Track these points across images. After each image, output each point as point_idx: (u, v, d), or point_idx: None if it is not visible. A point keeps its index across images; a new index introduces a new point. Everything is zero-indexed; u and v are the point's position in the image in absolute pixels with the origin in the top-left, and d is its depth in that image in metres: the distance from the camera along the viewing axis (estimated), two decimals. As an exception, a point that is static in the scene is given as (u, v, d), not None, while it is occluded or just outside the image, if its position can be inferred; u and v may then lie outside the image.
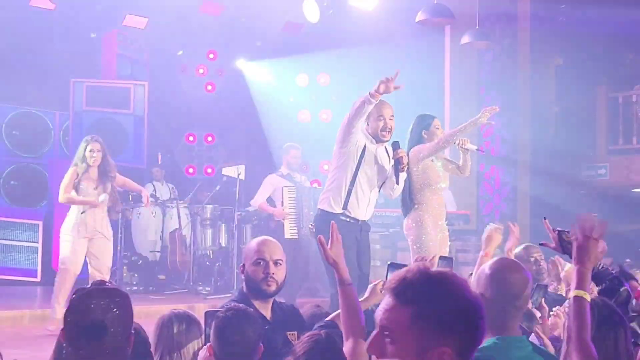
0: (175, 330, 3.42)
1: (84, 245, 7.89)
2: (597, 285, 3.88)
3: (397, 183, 6.43)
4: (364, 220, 6.52)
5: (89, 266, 8.01)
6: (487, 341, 3.04)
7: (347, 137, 6.36)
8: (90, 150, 7.94)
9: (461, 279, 1.93)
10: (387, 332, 1.89)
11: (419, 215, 6.79)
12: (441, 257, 4.34)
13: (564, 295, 5.22)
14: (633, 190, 13.89)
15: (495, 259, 3.29)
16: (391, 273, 3.70)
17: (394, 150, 6.40)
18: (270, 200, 10.33)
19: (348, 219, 6.35)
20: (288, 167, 10.28)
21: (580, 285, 3.04)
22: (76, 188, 7.90)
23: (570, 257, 3.86)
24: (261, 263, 3.83)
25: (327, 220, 6.34)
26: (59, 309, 7.54)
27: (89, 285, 2.79)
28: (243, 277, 3.86)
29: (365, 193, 6.44)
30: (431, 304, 1.88)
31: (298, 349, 2.95)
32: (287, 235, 9.65)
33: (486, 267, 3.18)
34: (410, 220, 6.84)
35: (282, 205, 9.91)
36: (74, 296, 2.75)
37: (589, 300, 3.05)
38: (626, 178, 13.37)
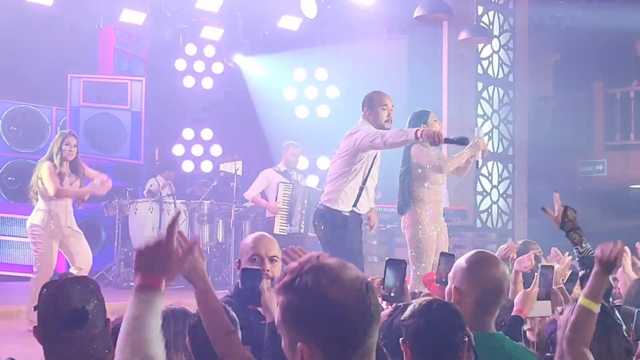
0: (172, 328, 3.39)
1: (56, 245, 7.77)
2: (581, 269, 3.90)
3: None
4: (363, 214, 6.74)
5: (71, 266, 7.91)
6: None
7: (364, 153, 6.48)
8: (66, 144, 7.77)
9: (353, 276, 1.84)
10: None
11: (416, 212, 6.81)
12: (442, 254, 4.31)
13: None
14: (630, 186, 13.89)
15: (473, 252, 3.19)
16: (389, 269, 3.71)
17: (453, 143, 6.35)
18: (263, 195, 10.31)
19: (355, 213, 6.55)
20: (286, 164, 10.28)
21: (591, 294, 3.01)
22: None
23: (565, 233, 3.91)
24: (257, 259, 3.81)
25: (334, 217, 6.49)
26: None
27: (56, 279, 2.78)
28: (239, 273, 3.82)
29: (370, 190, 6.64)
30: (297, 297, 1.81)
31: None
32: (276, 231, 9.67)
33: (463, 260, 3.12)
34: (408, 216, 6.86)
35: (276, 200, 9.91)
36: (44, 290, 2.71)
37: (596, 312, 3.01)
38: (624, 174, 13.36)
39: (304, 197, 9.82)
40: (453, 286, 3.05)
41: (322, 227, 6.62)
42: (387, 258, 4.15)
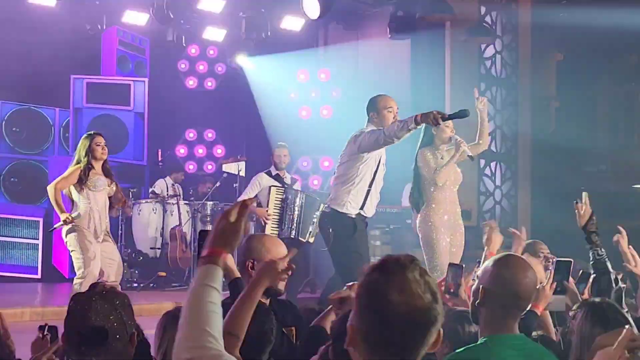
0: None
1: (98, 246, 7.41)
2: (594, 272, 3.90)
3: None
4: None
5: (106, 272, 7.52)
6: (480, 340, 2.99)
7: (368, 154, 6.55)
8: (97, 144, 7.42)
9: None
10: None
11: (428, 214, 6.86)
12: (450, 265, 4.30)
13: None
14: (634, 186, 13.86)
15: (503, 254, 3.21)
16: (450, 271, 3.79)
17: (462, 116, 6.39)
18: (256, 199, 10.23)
19: (361, 216, 6.63)
20: (275, 167, 10.09)
21: None
22: (89, 184, 7.34)
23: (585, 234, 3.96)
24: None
25: (342, 221, 6.56)
26: None
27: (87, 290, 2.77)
28: (252, 273, 3.76)
29: (376, 194, 6.70)
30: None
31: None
32: None
33: (492, 261, 3.12)
34: (420, 218, 6.92)
35: (267, 205, 9.76)
36: (72, 302, 2.72)
37: None
38: (627, 174, 13.34)
39: (298, 201, 9.59)
40: (480, 286, 3.04)
41: (330, 230, 6.68)
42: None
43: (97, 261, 7.28)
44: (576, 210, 4.46)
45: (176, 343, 2.03)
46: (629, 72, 13.79)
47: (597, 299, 3.66)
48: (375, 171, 6.65)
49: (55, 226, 7.61)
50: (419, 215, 6.92)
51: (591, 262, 3.95)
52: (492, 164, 12.50)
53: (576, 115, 14.13)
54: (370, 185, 6.56)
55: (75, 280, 7.25)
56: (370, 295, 1.91)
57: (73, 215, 7.32)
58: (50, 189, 7.40)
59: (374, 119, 6.61)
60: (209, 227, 11.35)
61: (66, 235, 7.41)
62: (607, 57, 13.91)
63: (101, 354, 2.52)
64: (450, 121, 6.78)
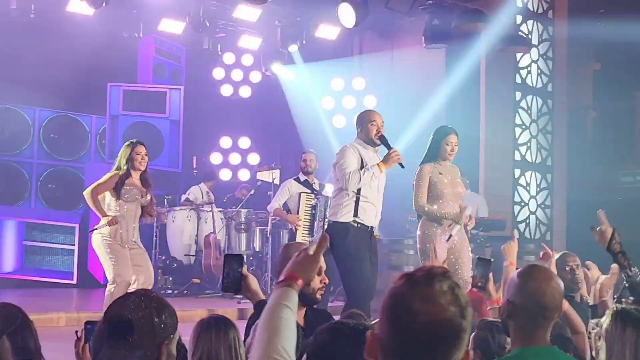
0: (214, 336, 3.40)
1: (127, 254, 7.40)
2: (631, 295, 3.83)
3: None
4: (373, 227, 6.74)
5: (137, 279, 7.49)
6: (510, 352, 2.98)
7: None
8: (137, 153, 7.41)
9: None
10: None
11: (426, 226, 6.94)
12: (479, 259, 4.31)
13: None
14: (671, 196, 13.70)
15: (526, 265, 3.20)
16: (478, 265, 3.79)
17: (383, 143, 6.65)
18: (286, 207, 10.26)
19: (358, 223, 6.61)
20: (302, 172, 10.19)
21: None
22: (123, 193, 7.35)
23: (612, 256, 3.85)
24: (320, 271, 3.84)
25: (335, 228, 6.61)
26: None
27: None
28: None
29: (371, 200, 6.65)
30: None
31: None
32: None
33: (516, 274, 3.12)
34: (420, 230, 7.01)
35: (298, 212, 9.87)
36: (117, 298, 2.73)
37: None
38: (664, 184, 13.19)
39: (326, 206, 9.64)
40: (507, 300, 3.04)
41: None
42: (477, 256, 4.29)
43: (128, 267, 7.30)
44: (594, 235, 4.36)
45: (251, 352, 2.22)
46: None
47: (622, 306, 3.63)
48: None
49: (96, 227, 7.65)
50: (419, 227, 7.02)
51: (625, 284, 3.87)
52: (527, 174, 12.42)
53: (613, 125, 14.00)
54: (358, 193, 6.58)
55: (108, 287, 7.27)
56: (394, 302, 1.87)
57: (113, 219, 7.36)
58: (87, 193, 7.44)
59: (360, 132, 6.75)
60: (243, 235, 11.43)
61: (96, 246, 7.45)
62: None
63: (121, 348, 2.47)
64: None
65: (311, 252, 2.43)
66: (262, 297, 3.78)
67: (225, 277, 3.58)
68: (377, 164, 6.50)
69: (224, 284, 3.61)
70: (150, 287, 7.39)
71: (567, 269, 5.54)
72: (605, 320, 3.47)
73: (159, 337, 2.46)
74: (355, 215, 6.59)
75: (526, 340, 2.95)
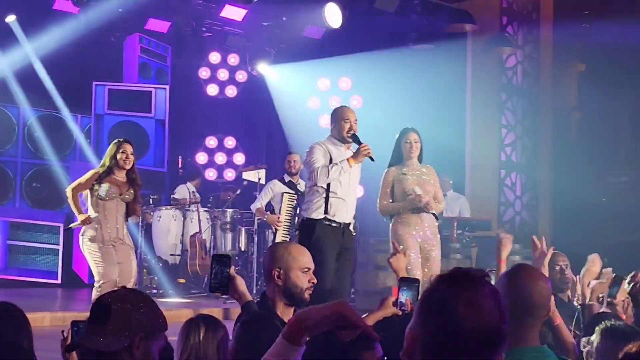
0: (202, 335, 3.39)
1: (112, 251, 7.33)
2: None
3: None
4: (347, 223, 6.75)
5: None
6: None
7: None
8: (122, 152, 7.33)
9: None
10: None
11: (394, 228, 7.11)
12: (402, 279, 4.08)
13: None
14: (656, 197, 13.77)
15: (514, 265, 3.21)
16: (403, 288, 3.71)
17: (355, 141, 6.68)
18: (270, 207, 10.27)
19: (329, 220, 6.62)
20: (287, 173, 10.22)
21: None
22: (101, 192, 7.27)
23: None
24: (308, 271, 3.83)
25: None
26: None
27: None
28: (279, 282, 3.76)
29: (341, 196, 6.65)
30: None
31: None
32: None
33: (504, 274, 3.13)
34: (390, 233, 7.15)
35: (280, 212, 9.87)
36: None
37: None
38: (649, 185, 13.26)
39: None
40: None
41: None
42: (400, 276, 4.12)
43: (112, 266, 7.25)
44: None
45: None
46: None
47: (611, 322, 3.65)
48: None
49: (71, 225, 7.65)
50: (390, 226, 7.19)
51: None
52: (513, 175, 12.47)
53: (597, 126, 14.05)
54: (327, 189, 6.60)
55: (95, 286, 7.26)
56: (437, 305, 1.84)
57: (92, 216, 7.33)
58: (68, 191, 7.43)
59: (332, 129, 6.80)
60: (229, 235, 11.42)
61: (81, 244, 7.41)
62: (629, 69, 13.83)
63: (97, 333, 2.48)
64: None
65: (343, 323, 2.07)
66: (250, 298, 3.76)
67: (212, 277, 3.56)
68: (347, 159, 6.52)
69: (212, 285, 3.59)
70: (130, 284, 7.35)
71: (556, 268, 5.58)
72: (595, 338, 3.49)
73: (135, 329, 2.46)
74: (326, 212, 6.60)
75: (516, 340, 2.93)
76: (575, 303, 5.04)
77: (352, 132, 6.64)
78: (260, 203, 10.21)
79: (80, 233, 7.40)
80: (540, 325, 3.08)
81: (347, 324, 2.05)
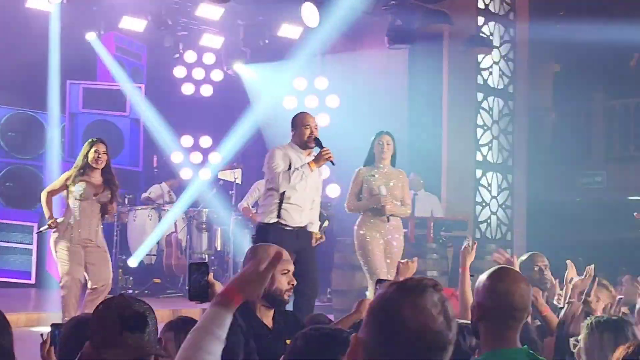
0: (182, 338, 3.36)
1: (81, 252, 7.29)
2: None
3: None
4: (302, 227, 6.79)
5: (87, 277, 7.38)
6: (481, 355, 2.99)
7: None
8: (95, 151, 7.26)
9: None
10: None
11: (358, 230, 7.45)
12: (379, 281, 4.25)
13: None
14: (629, 197, 13.89)
15: (495, 267, 3.21)
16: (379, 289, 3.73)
17: (317, 144, 6.74)
18: (256, 205, 10.25)
19: (282, 224, 6.66)
20: None
21: None
22: (74, 192, 7.24)
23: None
24: (288, 273, 3.83)
25: (263, 231, 6.66)
26: None
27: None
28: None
29: (296, 202, 6.70)
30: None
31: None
32: None
33: (485, 275, 3.12)
34: (354, 234, 7.50)
35: None
36: (104, 301, 2.82)
37: None
38: (622, 186, 13.37)
39: None
40: (477, 302, 3.05)
41: (252, 241, 7.11)
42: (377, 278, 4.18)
43: (77, 266, 7.22)
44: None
45: None
46: (625, 84, 13.84)
47: (595, 316, 3.69)
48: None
49: (40, 229, 7.64)
50: (355, 228, 7.52)
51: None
52: (489, 174, 12.50)
53: (572, 127, 14.18)
54: (282, 194, 6.64)
55: (60, 284, 7.26)
56: (383, 308, 1.87)
57: (59, 220, 7.30)
58: (42, 195, 7.43)
59: (293, 135, 6.85)
60: (204, 234, 11.38)
61: (51, 243, 7.41)
62: (604, 69, 13.97)
63: (140, 340, 2.57)
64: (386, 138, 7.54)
65: (262, 267, 2.21)
66: None
67: (191, 286, 3.55)
68: (308, 163, 6.59)
69: (191, 294, 3.57)
70: (103, 286, 7.31)
71: (535, 269, 5.61)
72: (583, 334, 3.51)
73: (157, 330, 2.69)
74: (279, 217, 6.65)
75: (497, 342, 2.96)
76: (555, 302, 5.05)
77: (314, 137, 6.70)
78: (247, 202, 10.21)
79: (52, 231, 7.37)
80: (520, 328, 3.09)
81: (269, 264, 2.20)
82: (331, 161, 6.66)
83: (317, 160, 6.60)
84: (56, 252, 7.31)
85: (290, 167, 6.62)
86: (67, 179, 7.33)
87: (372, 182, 7.36)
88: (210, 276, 3.54)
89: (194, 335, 2.11)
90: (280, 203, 6.64)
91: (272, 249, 3.94)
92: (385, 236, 7.40)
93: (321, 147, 6.63)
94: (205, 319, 2.13)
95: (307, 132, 6.72)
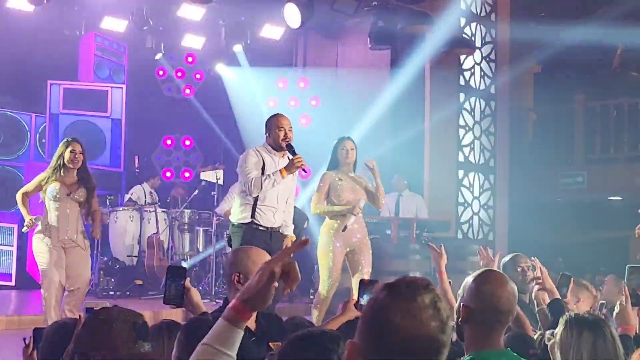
0: (166, 343, 3.35)
1: (62, 253, 7.25)
2: None
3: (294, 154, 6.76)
4: (276, 228, 6.85)
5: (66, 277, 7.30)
6: (464, 358, 2.99)
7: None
8: (71, 151, 7.23)
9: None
10: None
11: (322, 234, 7.51)
12: (361, 281, 4.13)
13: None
14: (609, 198, 13.97)
15: (481, 270, 3.22)
16: (364, 290, 3.72)
17: (289, 151, 6.74)
18: None
19: (255, 224, 6.72)
20: None
21: None
22: (48, 192, 7.21)
23: None
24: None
25: (238, 231, 6.74)
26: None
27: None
28: (239, 286, 3.69)
29: (269, 204, 6.74)
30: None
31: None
32: None
33: (471, 278, 3.12)
34: (321, 230, 7.57)
35: None
36: (101, 313, 2.79)
37: None
38: (603, 186, 13.44)
39: None
40: (462, 304, 3.05)
41: (227, 242, 7.17)
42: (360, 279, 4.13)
43: (59, 268, 7.19)
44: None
45: None
46: (605, 85, 13.91)
47: (575, 312, 3.71)
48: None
49: (23, 229, 7.63)
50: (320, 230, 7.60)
51: None
52: (471, 175, 12.55)
53: (553, 127, 14.25)
54: (256, 197, 6.68)
55: (41, 286, 7.23)
56: (375, 314, 1.87)
57: (35, 218, 7.27)
58: (17, 196, 7.42)
59: (267, 137, 6.88)
60: (187, 236, 11.34)
61: (34, 244, 7.36)
62: (585, 71, 14.04)
63: (149, 349, 2.64)
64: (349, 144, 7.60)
65: (263, 280, 2.08)
66: (204, 309, 3.75)
67: (167, 289, 3.54)
68: (280, 170, 6.62)
69: (166, 297, 3.57)
70: (80, 287, 7.28)
71: (518, 270, 5.64)
72: (559, 329, 3.51)
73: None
74: (252, 217, 6.71)
75: (480, 345, 2.96)
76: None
77: (287, 142, 6.72)
78: (227, 205, 10.15)
79: (35, 232, 7.34)
80: (504, 330, 3.09)
81: (282, 273, 2.08)
82: (303, 169, 6.77)
83: (289, 167, 6.62)
84: (37, 253, 7.28)
85: (263, 171, 6.66)
86: (42, 180, 7.31)
87: (339, 188, 7.45)
88: (187, 281, 3.53)
89: (204, 352, 2.05)
90: (255, 204, 6.69)
91: (253, 252, 3.93)
92: (350, 239, 7.46)
93: (294, 154, 6.65)
94: (215, 336, 2.06)
95: (281, 134, 6.75)
